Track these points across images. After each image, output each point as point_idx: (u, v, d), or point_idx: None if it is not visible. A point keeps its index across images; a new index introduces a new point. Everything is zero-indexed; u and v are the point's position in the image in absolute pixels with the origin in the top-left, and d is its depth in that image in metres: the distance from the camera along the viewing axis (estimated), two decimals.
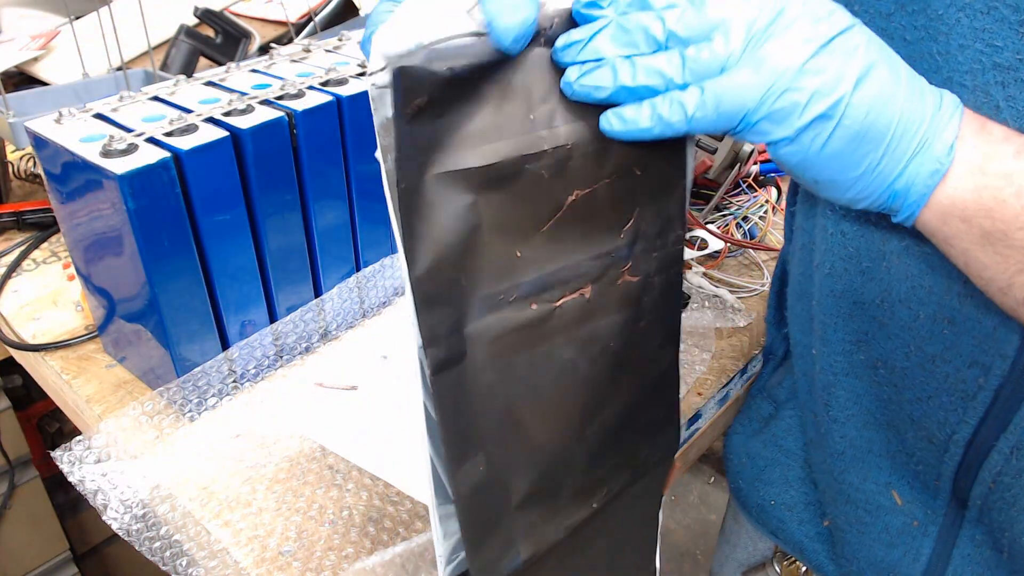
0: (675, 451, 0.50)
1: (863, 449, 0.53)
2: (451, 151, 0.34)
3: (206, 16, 1.19)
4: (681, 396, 0.68)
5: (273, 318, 0.71)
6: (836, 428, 0.54)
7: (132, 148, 0.58)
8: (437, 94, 0.32)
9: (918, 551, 0.54)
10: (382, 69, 0.31)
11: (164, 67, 1.12)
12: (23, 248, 0.88)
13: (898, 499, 0.54)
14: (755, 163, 0.98)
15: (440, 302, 0.35)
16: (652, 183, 0.41)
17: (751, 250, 0.87)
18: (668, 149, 0.40)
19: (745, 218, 0.90)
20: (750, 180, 0.95)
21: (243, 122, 0.62)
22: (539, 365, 0.40)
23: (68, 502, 1.33)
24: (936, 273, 0.44)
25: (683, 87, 0.34)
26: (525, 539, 0.42)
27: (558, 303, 0.39)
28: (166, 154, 0.58)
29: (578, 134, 0.37)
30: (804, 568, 0.68)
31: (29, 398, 1.27)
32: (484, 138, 0.34)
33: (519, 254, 0.38)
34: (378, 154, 0.33)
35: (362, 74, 0.72)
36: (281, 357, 0.71)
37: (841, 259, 0.49)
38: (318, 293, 0.74)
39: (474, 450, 0.38)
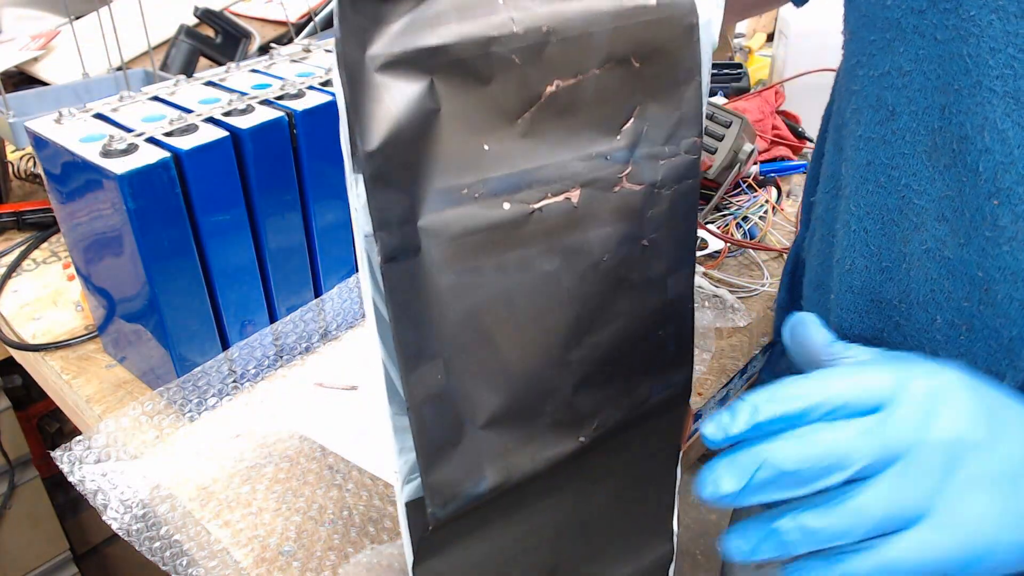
0: (687, 394, 0.45)
1: None
2: (402, 30, 0.31)
3: (206, 16, 1.19)
4: None
5: (273, 318, 0.71)
6: None
7: (132, 148, 0.58)
8: None
9: None
10: None
11: (164, 67, 1.12)
12: (23, 248, 0.88)
13: None
14: (755, 163, 0.98)
15: (392, 184, 0.32)
16: (656, 78, 0.36)
17: (751, 250, 0.87)
18: (675, 39, 0.36)
19: (745, 218, 0.90)
20: (750, 180, 0.95)
21: (243, 122, 0.62)
22: (512, 273, 0.36)
23: (68, 502, 1.33)
24: (956, 279, 0.43)
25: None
26: (492, 463, 0.38)
27: (537, 205, 0.35)
28: (166, 154, 0.58)
29: (558, 17, 0.33)
30: None
31: (29, 398, 1.27)
32: (440, 18, 0.32)
33: (486, 147, 0.34)
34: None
35: None
36: (281, 357, 0.71)
37: (862, 256, 0.48)
38: (318, 293, 0.74)
39: (431, 355, 0.35)
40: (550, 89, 0.35)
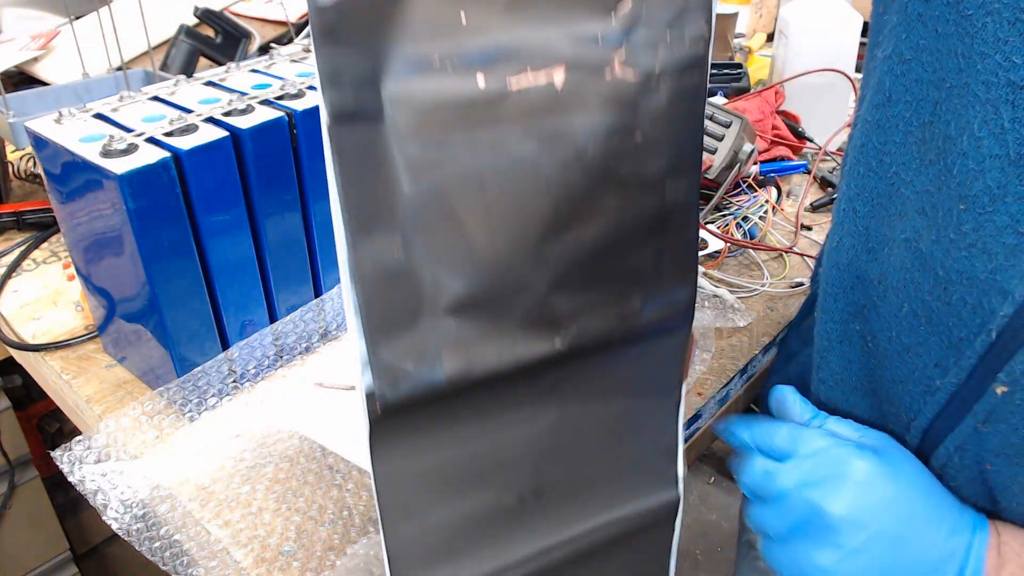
0: (689, 318, 0.42)
1: (845, 413, 0.54)
2: None
3: (206, 16, 1.19)
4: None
5: (273, 318, 0.71)
6: (823, 390, 0.55)
7: (132, 148, 0.58)
8: None
9: None
10: None
11: (164, 67, 1.12)
12: (23, 248, 0.88)
13: None
14: (755, 163, 0.98)
15: (348, 41, 0.30)
16: None
17: (751, 250, 0.87)
18: None
19: (745, 218, 0.90)
20: (750, 180, 0.95)
21: (243, 122, 0.62)
22: (484, 153, 0.33)
23: (68, 502, 1.33)
24: (925, 272, 0.44)
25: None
26: (452, 352, 0.35)
27: (514, 79, 0.33)
28: (166, 154, 0.58)
29: None
30: None
31: (29, 398, 1.27)
32: None
33: (464, 17, 0.32)
34: None
35: None
36: (281, 357, 0.71)
37: (850, 235, 0.49)
38: (318, 293, 0.74)
39: (386, 226, 0.33)
40: None
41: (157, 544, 0.55)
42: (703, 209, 0.90)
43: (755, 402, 0.79)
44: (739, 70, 1.17)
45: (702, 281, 0.80)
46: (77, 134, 0.60)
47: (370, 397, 0.35)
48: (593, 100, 0.34)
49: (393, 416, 0.36)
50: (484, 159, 0.33)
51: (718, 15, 1.23)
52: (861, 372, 0.52)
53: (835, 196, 0.96)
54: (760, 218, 0.91)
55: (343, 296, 0.35)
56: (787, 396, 0.50)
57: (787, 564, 0.45)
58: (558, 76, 0.33)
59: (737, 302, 0.78)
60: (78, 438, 0.61)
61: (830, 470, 0.44)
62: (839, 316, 0.52)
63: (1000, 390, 0.40)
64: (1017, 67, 0.36)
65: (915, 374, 0.46)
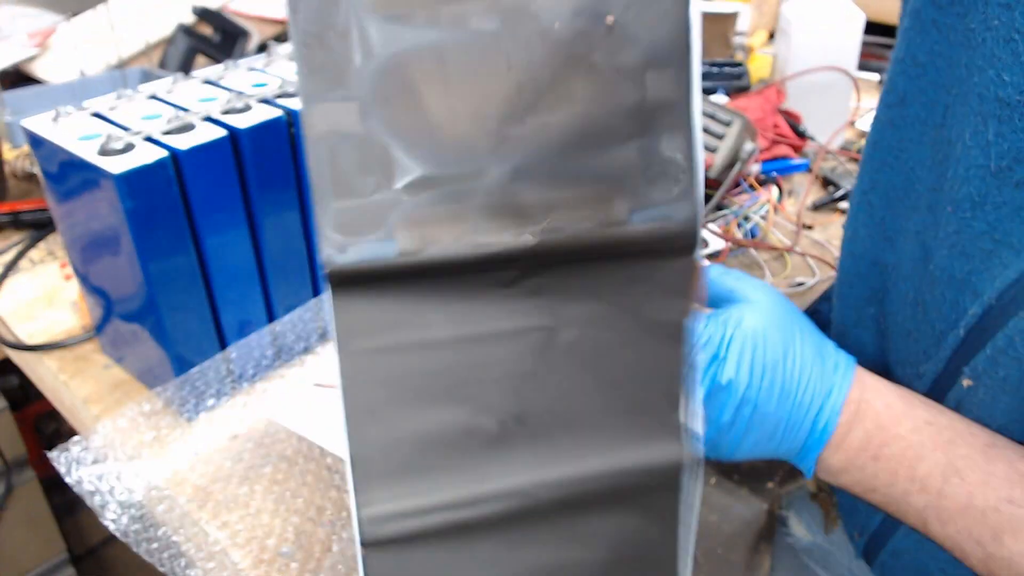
0: (692, 241, 0.38)
1: None
2: None
3: (204, 14, 1.19)
4: None
5: (272, 318, 0.71)
6: None
7: (129, 147, 0.57)
8: None
9: None
10: None
11: (162, 65, 1.12)
12: (20, 248, 0.88)
13: None
14: (756, 162, 0.98)
15: None
16: None
17: (752, 250, 0.87)
18: None
19: (746, 217, 0.90)
20: (751, 179, 0.95)
21: (241, 121, 0.62)
22: (445, 28, 0.34)
23: (65, 503, 1.33)
24: (927, 264, 0.45)
25: None
26: (406, 228, 0.35)
27: None
28: (164, 153, 0.57)
29: None
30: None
31: (26, 398, 1.27)
32: None
33: None
34: None
35: None
36: (280, 357, 0.71)
37: (865, 225, 0.51)
38: (317, 293, 0.74)
39: (343, 94, 0.33)
40: None
41: (155, 545, 0.55)
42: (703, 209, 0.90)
43: None
44: (740, 68, 1.16)
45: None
46: (74, 133, 0.60)
47: (329, 276, 0.35)
48: None
49: (354, 296, 0.35)
50: (445, 33, 0.33)
51: (719, 14, 1.23)
52: (875, 354, 0.54)
53: (835, 195, 0.96)
54: (761, 217, 0.90)
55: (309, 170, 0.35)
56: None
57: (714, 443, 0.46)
58: None
59: None
60: (75, 439, 0.60)
61: (714, 350, 0.44)
62: (854, 302, 0.54)
63: (966, 383, 0.43)
64: (1006, 84, 0.38)
65: (911, 358, 0.49)
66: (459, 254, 0.35)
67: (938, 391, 0.46)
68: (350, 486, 0.36)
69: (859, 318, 0.54)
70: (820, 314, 0.70)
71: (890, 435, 0.43)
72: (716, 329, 0.44)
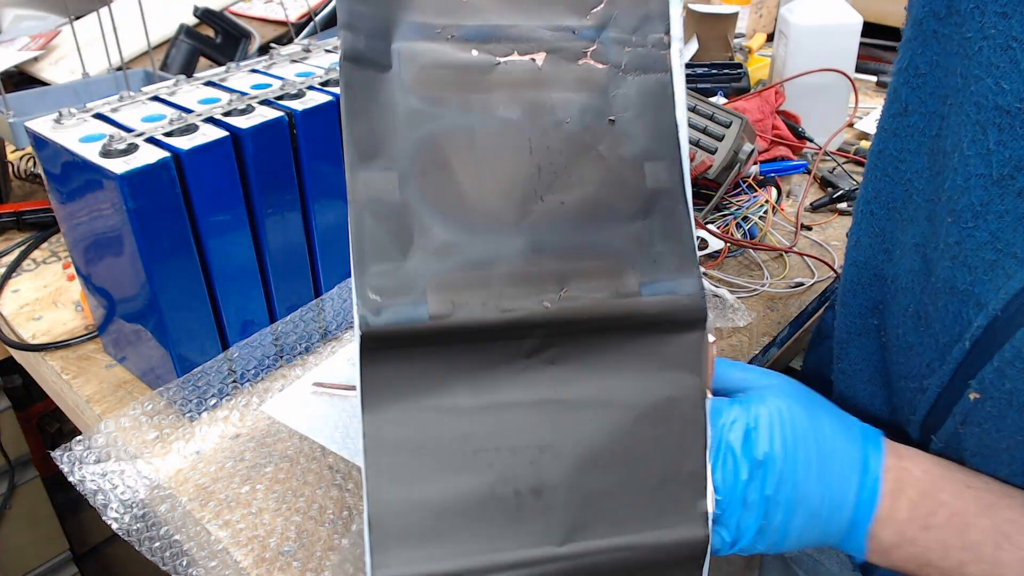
0: (699, 309, 0.41)
1: (865, 402, 0.55)
2: None
3: (206, 16, 1.19)
4: None
5: (273, 318, 0.71)
6: (843, 379, 0.56)
7: (132, 148, 0.58)
8: None
9: None
10: None
11: (164, 67, 1.13)
12: (23, 248, 0.88)
13: None
14: (755, 163, 0.98)
15: (367, 1, 0.36)
16: None
17: (751, 250, 0.87)
18: None
19: (745, 218, 0.90)
20: (750, 180, 0.95)
21: (243, 122, 0.62)
22: (475, 113, 0.38)
23: (68, 502, 1.33)
24: (927, 276, 0.45)
25: None
26: (437, 292, 0.37)
27: (503, 58, 0.39)
28: (166, 154, 0.58)
29: None
30: None
31: (29, 398, 1.27)
32: None
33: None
34: None
35: None
36: (281, 357, 0.71)
37: (868, 235, 0.51)
38: (318, 293, 0.74)
39: (384, 164, 0.37)
40: None
41: (157, 544, 0.55)
42: (703, 209, 0.90)
43: None
44: (739, 70, 1.17)
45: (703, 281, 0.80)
46: (77, 134, 0.60)
47: (367, 339, 0.36)
48: (569, 81, 0.40)
49: (381, 357, 0.37)
50: (475, 118, 0.38)
51: (718, 16, 1.23)
52: (879, 364, 0.54)
53: (833, 196, 0.96)
54: (760, 218, 0.91)
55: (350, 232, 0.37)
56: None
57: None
58: (539, 57, 0.39)
59: (737, 302, 0.78)
60: (78, 438, 0.61)
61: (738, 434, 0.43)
62: (857, 310, 0.54)
63: (973, 396, 0.42)
64: (1005, 92, 0.38)
65: (913, 372, 0.48)
66: (485, 319, 0.37)
67: (943, 405, 0.45)
68: (367, 546, 0.37)
69: (862, 327, 0.54)
70: (826, 324, 0.71)
71: (935, 503, 0.42)
72: (742, 409, 0.43)
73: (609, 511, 0.40)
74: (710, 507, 0.41)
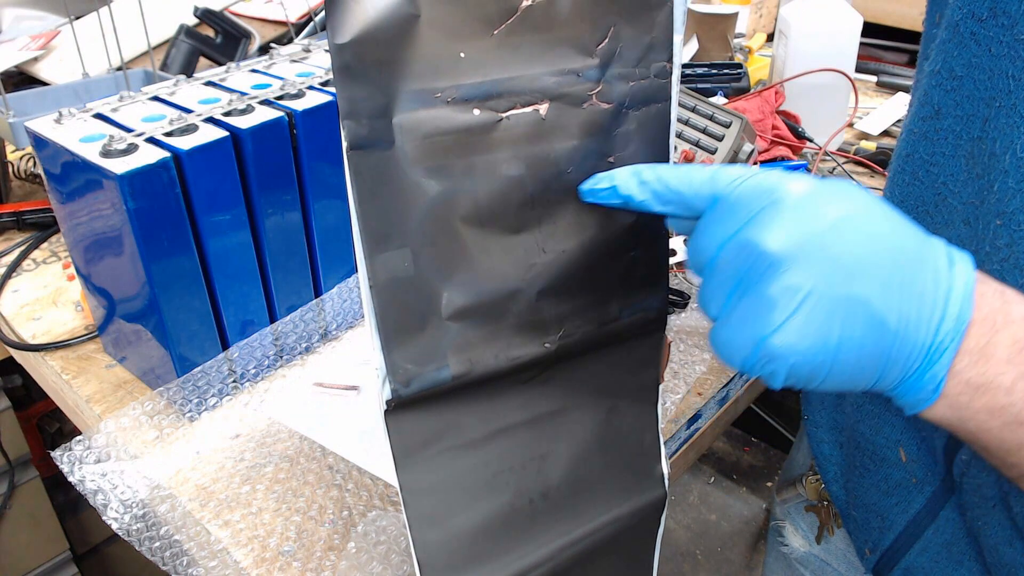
0: (663, 321, 0.45)
1: (880, 406, 0.55)
2: None
3: (206, 16, 1.19)
4: (680, 396, 0.68)
5: (273, 318, 0.71)
6: None
7: (132, 148, 0.58)
8: None
9: (909, 504, 0.56)
10: None
11: (164, 67, 1.12)
12: (23, 248, 0.88)
13: (903, 456, 0.56)
14: (755, 163, 0.98)
15: (363, 79, 0.35)
16: (630, 0, 0.39)
17: None
18: None
19: None
20: None
21: (243, 122, 0.62)
22: (479, 175, 0.38)
23: (68, 502, 1.33)
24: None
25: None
26: (456, 354, 0.39)
27: (505, 114, 0.38)
28: (166, 154, 0.58)
29: None
30: (823, 487, 0.70)
31: (29, 398, 1.27)
32: None
33: (463, 55, 0.36)
34: None
35: None
36: (281, 357, 0.71)
37: None
38: (318, 293, 0.74)
39: (398, 241, 0.37)
40: (526, 3, 0.37)
41: (157, 544, 0.55)
42: None
43: (756, 402, 0.80)
44: (739, 70, 1.17)
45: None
46: (77, 134, 0.60)
47: (389, 403, 0.39)
48: (572, 128, 0.39)
49: (406, 418, 0.39)
50: (479, 180, 0.38)
51: (719, 15, 1.23)
52: None
53: None
54: None
55: (364, 309, 0.38)
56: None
57: (734, 340, 0.33)
58: (543, 107, 0.38)
59: None
60: (78, 438, 0.61)
61: (759, 202, 0.33)
62: None
63: None
64: None
65: None
66: (498, 369, 0.41)
67: None
68: None
69: None
70: None
71: None
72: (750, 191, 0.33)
73: (599, 493, 0.46)
74: (665, 469, 0.49)
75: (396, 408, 0.39)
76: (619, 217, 0.42)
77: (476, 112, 0.37)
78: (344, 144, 0.35)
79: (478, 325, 0.40)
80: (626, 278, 0.43)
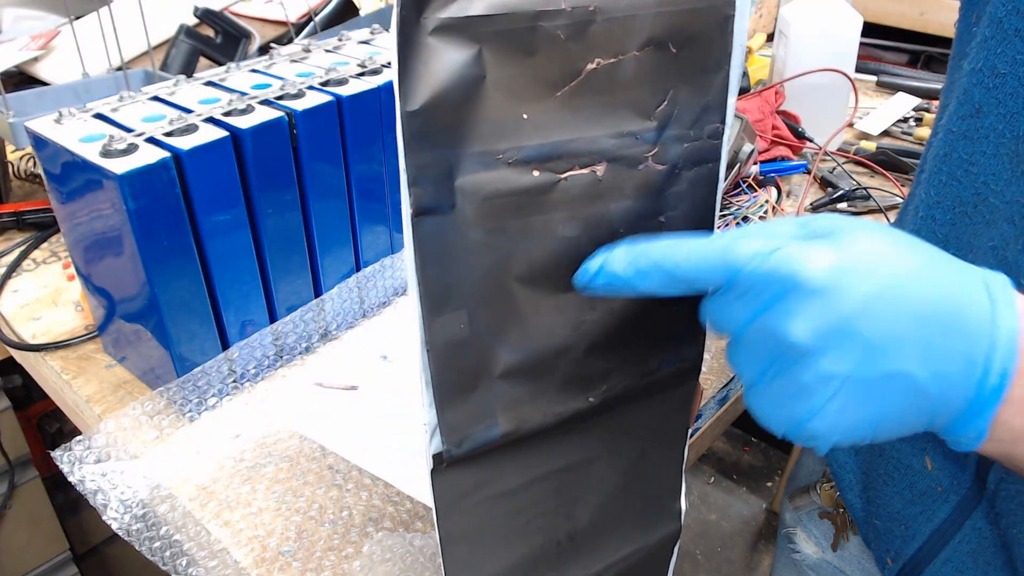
0: (697, 370, 0.46)
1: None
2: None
3: (206, 16, 1.19)
4: None
5: (273, 318, 0.72)
6: None
7: (132, 148, 0.58)
8: None
9: (934, 512, 0.55)
10: None
11: (164, 67, 1.13)
12: (23, 248, 0.88)
13: (929, 464, 0.55)
14: (755, 163, 0.98)
15: (430, 144, 0.35)
16: (690, 64, 0.38)
17: None
18: (711, 28, 0.38)
19: (745, 218, 0.90)
20: (750, 180, 0.95)
21: (243, 122, 0.62)
22: (535, 236, 0.38)
23: (68, 502, 1.33)
24: (1012, 279, 0.43)
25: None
26: (506, 412, 0.40)
27: (564, 175, 0.38)
28: (166, 154, 0.58)
29: None
30: (838, 495, 0.69)
31: (29, 398, 1.27)
32: None
33: (526, 116, 0.36)
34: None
35: (362, 74, 0.72)
36: (281, 357, 0.71)
37: (929, 241, 0.49)
38: (318, 293, 0.74)
39: (455, 305, 0.37)
40: (591, 66, 0.37)
41: (157, 544, 0.55)
42: None
43: None
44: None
45: None
46: (77, 134, 0.60)
47: (436, 457, 0.39)
48: (627, 189, 0.39)
49: (452, 473, 0.40)
50: (535, 241, 0.38)
51: None
52: None
53: (833, 196, 0.96)
54: (760, 218, 0.91)
55: (416, 367, 0.38)
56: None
57: (772, 416, 0.34)
58: (600, 169, 0.39)
59: None
60: (78, 438, 0.61)
61: (780, 286, 0.32)
62: None
63: None
64: None
65: None
66: (544, 424, 0.41)
67: None
68: None
69: None
70: None
71: None
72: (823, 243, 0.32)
73: (621, 529, 0.48)
74: (683, 505, 0.50)
75: (445, 467, 0.40)
76: None
77: (536, 174, 0.37)
78: (409, 211, 0.35)
79: (527, 383, 0.40)
80: (667, 332, 0.44)
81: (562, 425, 0.42)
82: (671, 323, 0.44)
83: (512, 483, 0.43)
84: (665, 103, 0.39)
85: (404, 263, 0.36)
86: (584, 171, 0.38)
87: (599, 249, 0.39)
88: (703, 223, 0.42)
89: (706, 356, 0.72)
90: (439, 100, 0.34)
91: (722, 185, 0.42)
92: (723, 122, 0.41)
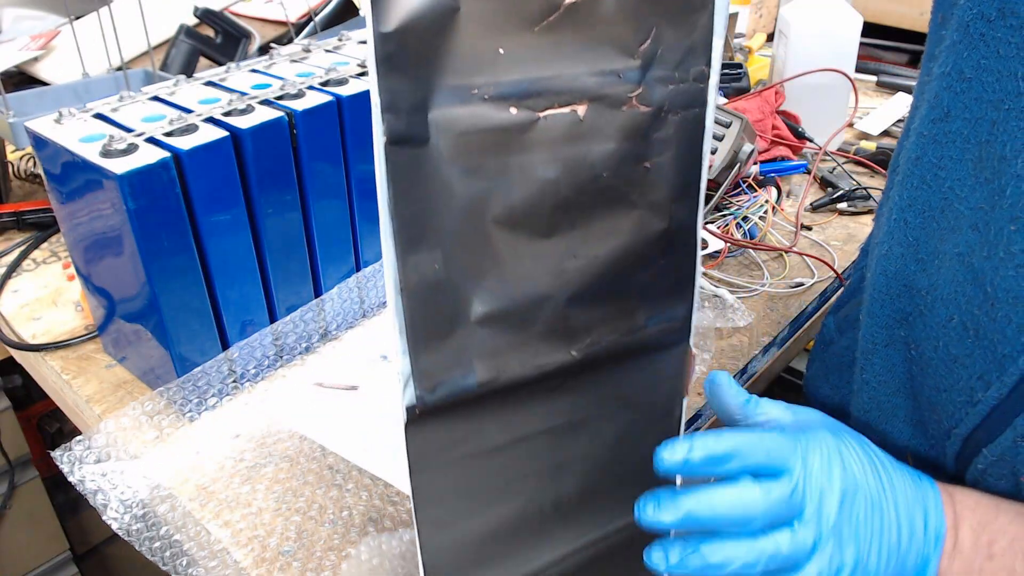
0: (687, 332, 0.46)
1: (888, 413, 0.54)
2: None
3: (206, 16, 1.19)
4: None
5: (273, 318, 0.72)
6: (867, 391, 0.55)
7: (132, 148, 0.58)
8: None
9: None
10: None
11: (164, 67, 1.13)
12: (23, 248, 0.88)
13: (911, 463, 0.55)
14: (755, 163, 0.98)
15: (403, 71, 0.33)
16: (673, 1, 0.37)
17: (751, 250, 0.87)
18: None
19: (745, 218, 0.90)
20: (750, 180, 0.95)
21: (243, 122, 0.62)
22: (514, 176, 0.37)
23: (68, 502, 1.33)
24: (976, 287, 0.44)
25: None
26: (483, 359, 0.39)
27: (543, 113, 0.36)
28: (166, 154, 0.58)
29: None
30: None
31: (29, 398, 1.27)
32: None
33: (502, 51, 0.35)
34: None
35: (363, 74, 0.72)
36: (281, 357, 0.71)
37: (899, 245, 0.50)
38: (318, 293, 0.74)
39: (429, 244, 0.36)
40: (570, 0, 0.35)
41: (157, 544, 0.55)
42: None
43: None
44: (739, 70, 1.17)
45: (702, 281, 0.80)
46: (77, 134, 0.60)
47: (410, 410, 0.38)
48: (610, 130, 0.38)
49: (428, 425, 0.39)
50: (513, 182, 0.37)
51: None
52: (904, 376, 0.53)
53: (833, 196, 0.96)
54: (760, 218, 0.91)
55: (390, 312, 0.37)
56: (721, 380, 0.47)
57: None
58: (581, 108, 0.37)
59: (737, 302, 0.78)
60: (78, 438, 0.61)
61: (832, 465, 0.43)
62: (884, 322, 0.53)
63: None
64: None
65: (959, 384, 0.46)
66: (524, 376, 0.40)
67: (999, 417, 0.44)
68: None
69: (889, 339, 0.53)
70: (827, 329, 0.71)
71: (995, 530, 0.42)
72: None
73: (610, 503, 0.46)
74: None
75: (418, 415, 0.39)
76: (652, 223, 0.41)
77: (513, 111, 0.36)
78: (382, 138, 0.34)
79: (506, 331, 0.39)
80: (655, 286, 0.43)
81: (545, 381, 0.41)
82: (658, 276, 0.42)
83: (493, 442, 0.41)
84: (649, 41, 0.37)
85: (378, 197, 0.35)
86: (564, 110, 0.37)
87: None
88: (690, 173, 0.41)
89: (705, 356, 0.72)
90: (413, 25, 0.33)
91: (710, 125, 0.41)
92: (708, 65, 0.39)
